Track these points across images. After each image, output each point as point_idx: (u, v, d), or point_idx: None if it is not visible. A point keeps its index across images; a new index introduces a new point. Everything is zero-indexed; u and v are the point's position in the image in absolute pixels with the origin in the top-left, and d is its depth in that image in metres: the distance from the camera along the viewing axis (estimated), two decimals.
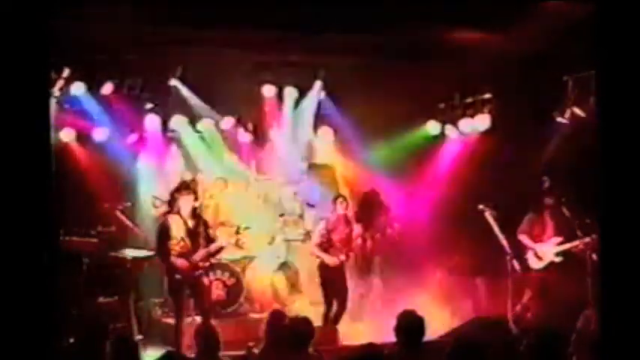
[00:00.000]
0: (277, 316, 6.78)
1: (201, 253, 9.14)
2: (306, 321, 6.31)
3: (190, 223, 9.12)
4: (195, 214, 9.27)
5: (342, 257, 9.97)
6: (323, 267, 10.00)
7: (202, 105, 11.39)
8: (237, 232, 10.34)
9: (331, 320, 9.93)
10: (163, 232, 9.12)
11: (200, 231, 9.19)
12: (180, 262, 9.04)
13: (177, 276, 9.07)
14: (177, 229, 9.07)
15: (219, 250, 9.63)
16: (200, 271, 9.25)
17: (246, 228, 10.44)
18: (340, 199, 10.06)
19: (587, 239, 9.84)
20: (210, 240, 9.28)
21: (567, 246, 10.14)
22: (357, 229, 10.60)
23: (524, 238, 10.37)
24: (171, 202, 9.54)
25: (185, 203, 9.14)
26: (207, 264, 9.40)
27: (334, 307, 9.98)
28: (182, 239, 9.07)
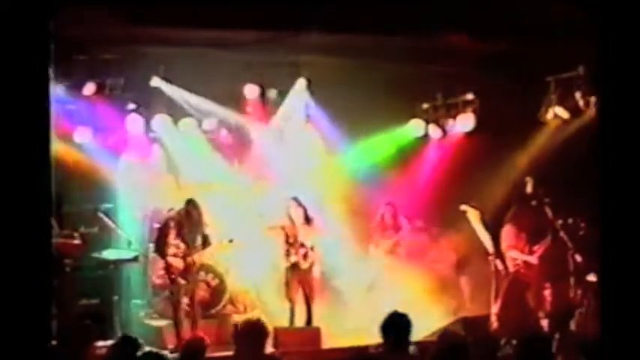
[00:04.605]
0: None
1: (193, 256, 9.36)
2: (258, 322, 6.25)
3: (185, 225, 9.30)
4: (189, 216, 9.40)
5: (301, 261, 9.86)
6: (289, 268, 9.94)
7: (185, 105, 11.33)
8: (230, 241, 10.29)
9: (305, 321, 9.90)
10: (159, 234, 9.44)
11: (194, 233, 9.39)
12: (175, 263, 9.30)
13: (172, 276, 9.33)
14: (173, 230, 9.31)
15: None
16: (191, 272, 9.44)
17: (231, 241, 10.29)
18: (295, 203, 9.99)
19: (548, 240, 9.92)
20: (204, 242, 9.49)
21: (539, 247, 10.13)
22: None
23: (515, 254, 10.11)
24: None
25: (182, 205, 9.40)
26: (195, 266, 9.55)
27: (303, 308, 9.92)
28: (177, 241, 9.30)
